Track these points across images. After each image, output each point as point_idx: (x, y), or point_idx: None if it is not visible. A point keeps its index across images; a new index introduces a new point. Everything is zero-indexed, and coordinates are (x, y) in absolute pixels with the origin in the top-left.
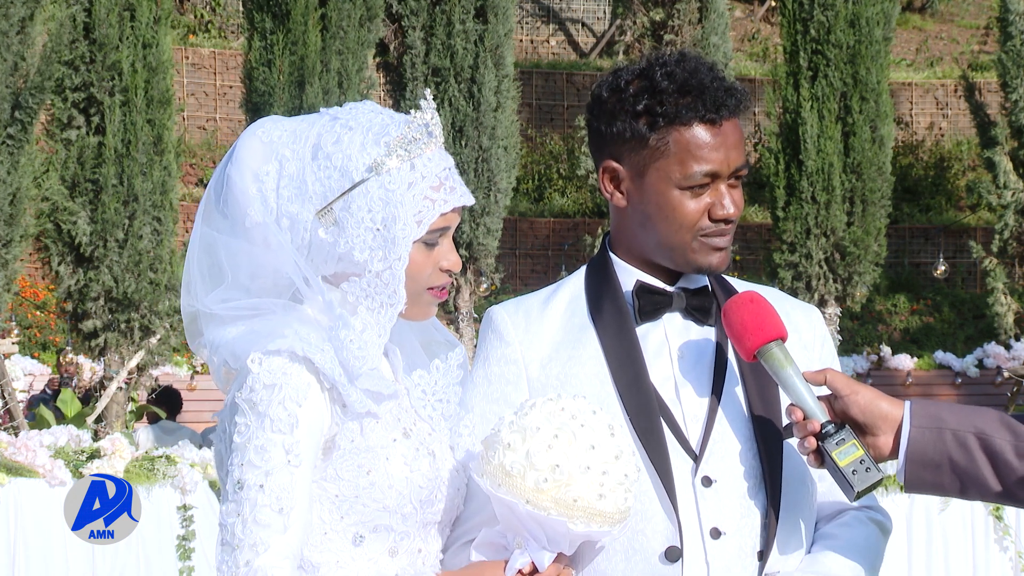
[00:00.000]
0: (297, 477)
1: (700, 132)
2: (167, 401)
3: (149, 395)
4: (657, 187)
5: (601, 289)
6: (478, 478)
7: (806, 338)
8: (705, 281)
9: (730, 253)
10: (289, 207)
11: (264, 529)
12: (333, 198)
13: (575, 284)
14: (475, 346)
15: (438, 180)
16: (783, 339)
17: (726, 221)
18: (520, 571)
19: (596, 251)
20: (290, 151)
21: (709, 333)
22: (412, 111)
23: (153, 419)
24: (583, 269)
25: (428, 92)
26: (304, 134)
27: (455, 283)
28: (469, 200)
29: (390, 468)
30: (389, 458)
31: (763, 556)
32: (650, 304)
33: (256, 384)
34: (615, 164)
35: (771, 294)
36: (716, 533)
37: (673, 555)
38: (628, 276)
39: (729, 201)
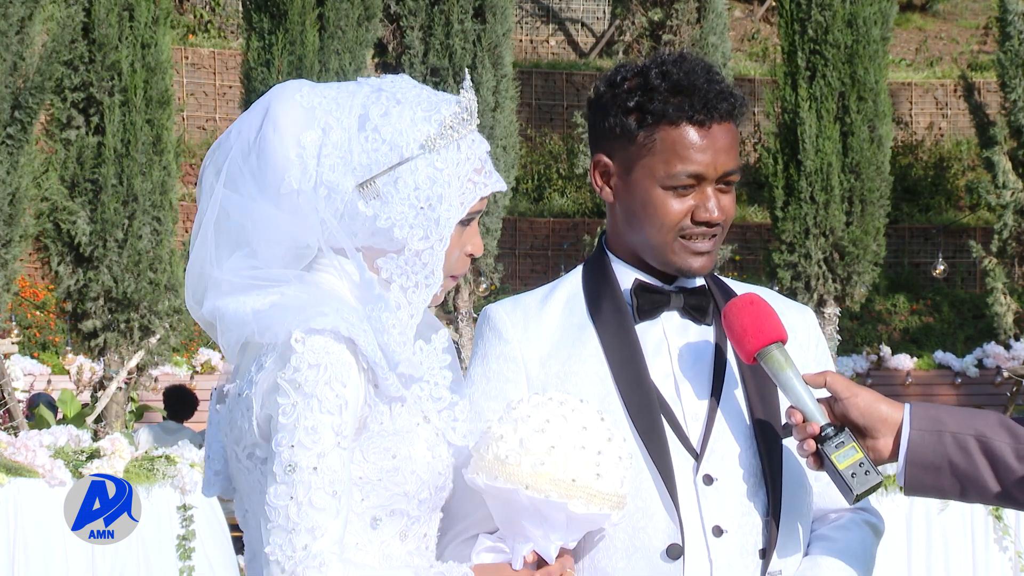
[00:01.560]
0: (345, 459)
1: (688, 132)
2: (179, 401)
3: (165, 392)
4: (642, 184)
5: (599, 288)
6: (472, 476)
7: (800, 338)
8: (702, 280)
9: (715, 258)
10: (330, 176)
11: (320, 513)
12: (379, 171)
13: (572, 282)
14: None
15: (480, 163)
16: (783, 341)
17: (708, 224)
18: (526, 560)
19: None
20: (334, 119)
21: (707, 332)
22: (460, 91)
23: (168, 415)
24: (580, 268)
25: (468, 72)
26: (347, 103)
27: None
28: (503, 186)
29: (414, 453)
30: (413, 443)
31: (764, 555)
32: (648, 303)
33: (301, 364)
34: (606, 159)
35: (765, 295)
36: (718, 531)
37: (675, 553)
38: (626, 275)
39: (713, 205)
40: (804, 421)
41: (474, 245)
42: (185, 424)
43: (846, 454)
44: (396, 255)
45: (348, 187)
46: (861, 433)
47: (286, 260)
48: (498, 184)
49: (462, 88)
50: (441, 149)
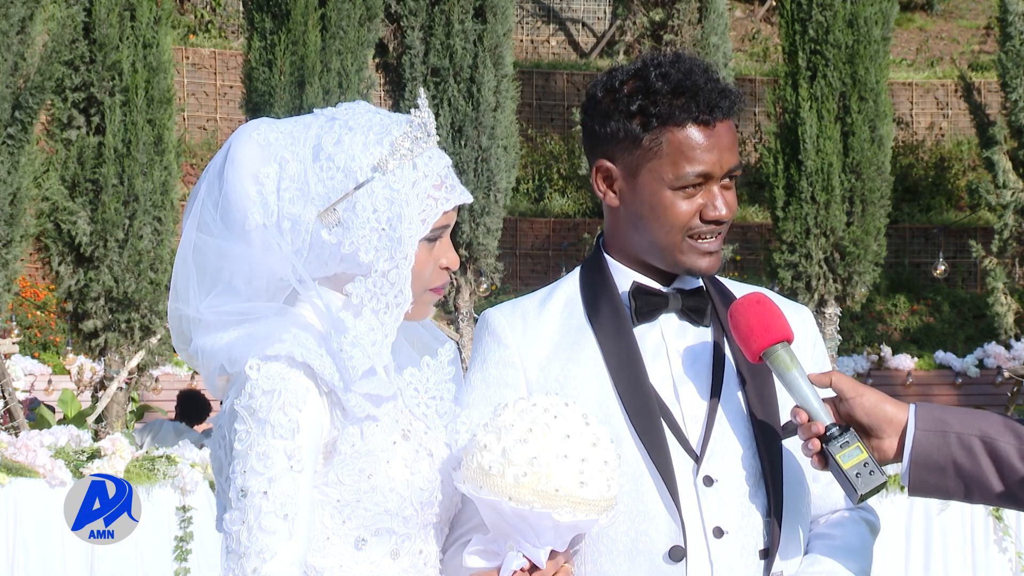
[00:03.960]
0: (300, 483)
1: (693, 133)
2: (191, 406)
3: (178, 396)
4: (650, 187)
5: (597, 290)
6: (460, 485)
7: (798, 338)
8: (700, 282)
9: (721, 257)
10: (291, 209)
11: (270, 536)
12: (337, 199)
13: (570, 285)
14: None
15: (439, 178)
16: (789, 341)
17: (717, 222)
18: (516, 572)
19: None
20: (290, 153)
21: (705, 334)
22: (412, 110)
23: (177, 417)
24: (577, 270)
25: (423, 91)
26: (302, 136)
27: (455, 283)
28: (468, 198)
29: (391, 471)
30: (390, 461)
31: (765, 555)
32: (646, 305)
33: (255, 390)
34: (608, 164)
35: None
36: (719, 532)
37: (677, 555)
38: (624, 277)
39: (721, 202)
40: (809, 420)
41: (448, 259)
42: (196, 428)
43: (851, 454)
44: (364, 278)
45: (310, 218)
46: (866, 433)
47: (270, 293)
48: (462, 197)
49: (414, 107)
50: (395, 169)
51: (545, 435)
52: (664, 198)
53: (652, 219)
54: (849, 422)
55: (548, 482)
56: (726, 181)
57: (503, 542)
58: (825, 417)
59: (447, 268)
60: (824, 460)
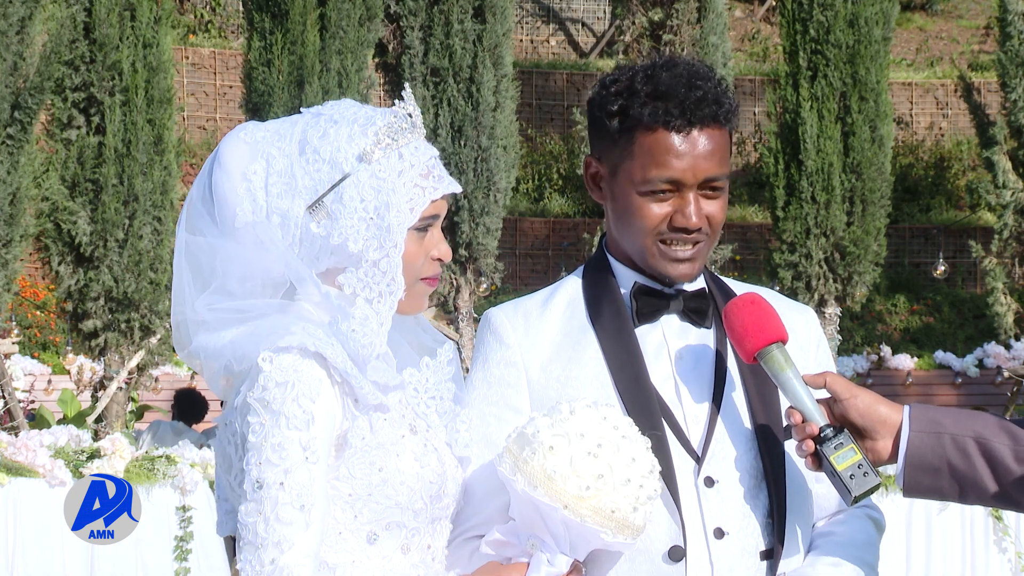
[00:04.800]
0: (315, 474)
1: (663, 138)
2: (189, 405)
3: (176, 395)
4: (623, 188)
5: (599, 291)
6: (509, 475)
7: (801, 338)
8: (702, 283)
9: (699, 264)
10: (279, 203)
11: (287, 527)
12: (324, 191)
13: (573, 285)
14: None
15: (426, 168)
16: (783, 341)
17: (686, 231)
18: None
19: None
20: (276, 149)
21: (707, 335)
22: (396, 101)
23: (175, 416)
24: (580, 270)
25: (407, 86)
26: (288, 132)
27: (455, 283)
28: (456, 188)
29: (401, 464)
30: (399, 454)
31: (766, 556)
32: (648, 306)
33: (268, 382)
34: (596, 161)
35: (766, 295)
36: (719, 533)
37: (677, 555)
38: (625, 278)
39: (692, 211)
40: (803, 421)
41: (440, 250)
42: (194, 427)
43: (845, 455)
44: (355, 269)
45: (299, 212)
46: (860, 434)
47: (266, 292)
48: (450, 186)
49: (399, 99)
50: (381, 159)
51: (615, 455)
52: (633, 201)
53: (626, 220)
54: (843, 423)
55: (608, 502)
56: (707, 191)
57: (525, 535)
58: (819, 418)
59: (439, 259)
60: (818, 461)
